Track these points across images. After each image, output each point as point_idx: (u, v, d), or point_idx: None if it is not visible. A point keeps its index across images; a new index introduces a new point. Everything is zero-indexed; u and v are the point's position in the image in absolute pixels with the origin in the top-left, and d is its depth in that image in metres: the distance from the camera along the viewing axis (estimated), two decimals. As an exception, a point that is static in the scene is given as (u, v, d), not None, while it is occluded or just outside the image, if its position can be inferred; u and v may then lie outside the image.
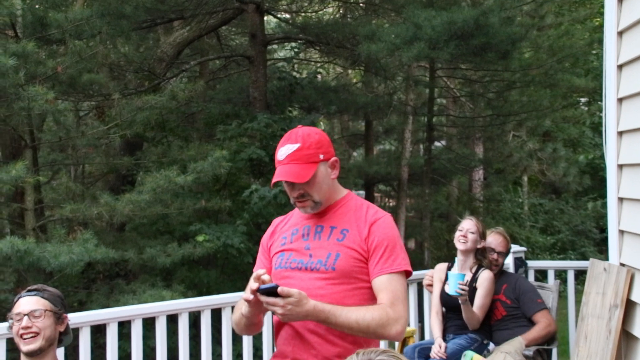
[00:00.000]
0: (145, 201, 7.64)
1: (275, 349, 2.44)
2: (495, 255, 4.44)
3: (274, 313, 2.15)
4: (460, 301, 4.03)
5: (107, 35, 9.02)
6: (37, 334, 2.54)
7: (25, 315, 2.55)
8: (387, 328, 2.21)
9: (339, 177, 2.48)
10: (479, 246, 4.32)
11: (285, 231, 2.48)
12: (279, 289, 2.05)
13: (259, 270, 2.15)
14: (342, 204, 2.42)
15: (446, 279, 4.35)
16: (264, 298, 2.09)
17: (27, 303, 2.59)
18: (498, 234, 4.55)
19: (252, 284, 2.12)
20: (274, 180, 2.31)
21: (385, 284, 2.26)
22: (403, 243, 2.37)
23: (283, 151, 2.32)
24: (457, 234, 4.32)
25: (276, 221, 2.58)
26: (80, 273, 8.13)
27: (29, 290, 2.65)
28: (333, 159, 2.38)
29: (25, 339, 2.54)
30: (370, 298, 2.30)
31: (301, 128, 2.38)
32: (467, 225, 4.30)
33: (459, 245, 4.29)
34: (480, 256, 4.34)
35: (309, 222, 2.42)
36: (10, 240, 6.46)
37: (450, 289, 4.01)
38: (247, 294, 2.14)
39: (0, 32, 7.00)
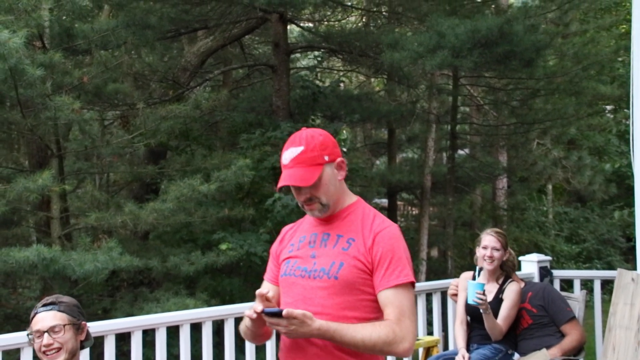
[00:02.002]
0: (169, 210, 7.68)
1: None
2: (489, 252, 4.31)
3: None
4: (481, 310, 4.00)
5: (132, 45, 9.13)
6: (59, 349, 2.56)
7: (44, 332, 2.55)
8: (394, 346, 2.17)
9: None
10: (504, 258, 4.28)
11: (293, 238, 2.46)
12: (284, 313, 2.05)
13: (262, 290, 2.15)
14: (351, 211, 2.37)
15: None
16: (267, 318, 2.09)
17: (45, 319, 2.58)
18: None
19: (257, 306, 2.12)
20: (279, 185, 2.29)
21: (391, 299, 2.21)
22: (409, 254, 2.31)
23: (287, 155, 2.30)
24: (482, 252, 4.26)
25: (285, 229, 2.57)
26: (104, 281, 8.19)
27: (45, 305, 2.63)
28: (339, 159, 2.34)
29: (48, 354, 2.55)
30: (373, 310, 2.26)
31: (305, 130, 2.35)
32: (491, 243, 4.23)
33: (487, 266, 4.23)
34: (506, 267, 4.31)
35: (317, 230, 2.39)
36: (37, 248, 6.54)
37: (469, 298, 3.98)
38: (250, 311, 2.14)
39: (28, 43, 7.10)
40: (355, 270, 2.24)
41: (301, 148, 2.28)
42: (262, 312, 2.09)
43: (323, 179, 2.28)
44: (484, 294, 3.94)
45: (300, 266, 2.33)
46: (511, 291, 4.20)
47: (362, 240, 2.28)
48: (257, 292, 2.15)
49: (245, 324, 2.32)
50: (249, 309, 2.15)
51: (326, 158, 2.29)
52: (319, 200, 2.30)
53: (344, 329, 2.14)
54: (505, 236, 4.32)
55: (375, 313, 2.25)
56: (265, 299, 2.13)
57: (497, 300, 4.20)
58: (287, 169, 2.29)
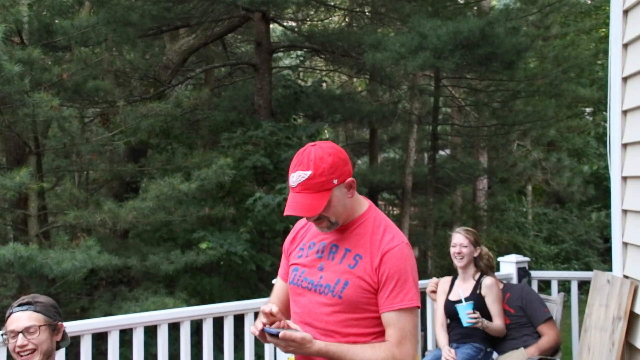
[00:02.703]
0: (149, 208, 7.64)
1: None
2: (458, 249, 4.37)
3: None
4: (480, 327, 4.09)
5: (112, 43, 9.06)
6: (34, 350, 2.52)
7: (19, 332, 2.51)
8: None
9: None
10: (475, 255, 4.34)
11: (304, 240, 2.44)
12: (281, 335, 2.07)
13: (265, 307, 2.15)
14: (361, 223, 2.33)
15: (449, 291, 4.39)
16: (268, 337, 2.12)
17: (20, 319, 2.54)
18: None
19: (258, 324, 2.14)
20: (286, 213, 2.22)
21: (394, 321, 2.21)
22: (416, 275, 2.28)
23: (294, 178, 2.20)
24: (452, 250, 4.37)
25: (298, 225, 2.52)
26: (83, 280, 8.13)
27: (21, 305, 2.59)
28: (349, 180, 2.25)
29: (22, 355, 2.51)
30: (375, 325, 2.26)
31: (313, 149, 2.22)
32: (459, 240, 4.33)
33: (457, 262, 4.35)
34: (480, 263, 4.37)
35: (326, 239, 2.36)
36: (13, 246, 6.46)
37: (463, 321, 4.08)
38: (253, 329, 2.17)
39: (6, 39, 7.02)
40: (360, 290, 2.23)
41: (309, 173, 2.18)
42: (263, 330, 2.12)
43: (332, 202, 2.22)
44: (474, 312, 4.04)
45: (307, 277, 2.33)
46: (487, 286, 4.27)
47: (370, 259, 2.25)
48: (262, 309, 2.15)
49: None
50: (253, 326, 2.18)
51: (335, 182, 2.21)
52: (327, 219, 2.26)
53: (343, 352, 2.16)
54: (474, 233, 4.40)
55: (377, 327, 2.26)
56: (270, 314, 2.13)
57: (476, 295, 4.25)
58: (295, 194, 2.22)
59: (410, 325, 2.22)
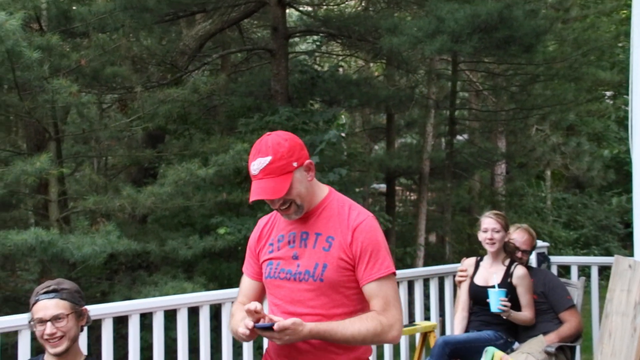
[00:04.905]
0: (167, 194, 7.67)
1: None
2: (519, 254, 4.41)
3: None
4: (504, 317, 4.06)
5: (130, 28, 9.06)
6: (62, 336, 2.56)
7: (48, 321, 2.54)
8: (383, 336, 2.28)
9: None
10: (506, 239, 4.30)
11: (271, 236, 2.49)
12: (275, 326, 2.12)
13: (250, 305, 2.21)
14: (325, 206, 2.41)
15: (474, 273, 4.34)
16: (260, 332, 2.18)
17: (48, 307, 2.56)
18: (524, 230, 4.50)
19: (248, 322, 2.18)
20: (251, 199, 2.30)
21: (375, 291, 2.31)
22: (387, 243, 2.39)
23: (255, 166, 2.29)
24: (483, 235, 4.28)
25: (261, 223, 2.58)
26: (103, 264, 8.20)
27: (47, 292, 2.60)
28: (307, 162, 2.34)
29: (51, 342, 2.55)
30: (359, 301, 2.35)
31: (269, 137, 2.32)
32: (490, 225, 4.26)
33: (489, 248, 4.28)
34: (510, 249, 4.33)
35: (294, 229, 2.42)
36: (35, 231, 6.53)
37: (492, 306, 4.03)
38: (243, 329, 2.19)
39: (25, 26, 7.06)
40: (340, 269, 2.32)
41: (269, 158, 2.27)
42: (254, 327, 2.17)
43: (294, 185, 2.30)
44: (507, 300, 4.02)
45: (284, 268, 2.38)
46: (520, 277, 4.21)
47: (342, 237, 2.33)
48: (246, 308, 2.22)
49: (235, 330, 2.35)
50: (241, 326, 2.20)
51: (295, 164, 2.30)
52: (294, 203, 2.33)
53: (333, 329, 2.23)
54: (505, 217, 4.34)
55: (361, 303, 2.35)
56: (255, 312, 2.20)
57: (507, 284, 4.20)
58: (258, 180, 2.29)
59: (391, 291, 2.33)
